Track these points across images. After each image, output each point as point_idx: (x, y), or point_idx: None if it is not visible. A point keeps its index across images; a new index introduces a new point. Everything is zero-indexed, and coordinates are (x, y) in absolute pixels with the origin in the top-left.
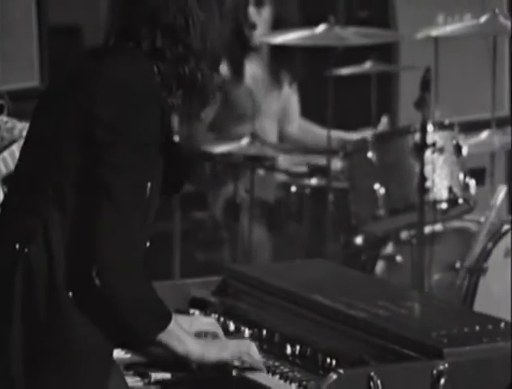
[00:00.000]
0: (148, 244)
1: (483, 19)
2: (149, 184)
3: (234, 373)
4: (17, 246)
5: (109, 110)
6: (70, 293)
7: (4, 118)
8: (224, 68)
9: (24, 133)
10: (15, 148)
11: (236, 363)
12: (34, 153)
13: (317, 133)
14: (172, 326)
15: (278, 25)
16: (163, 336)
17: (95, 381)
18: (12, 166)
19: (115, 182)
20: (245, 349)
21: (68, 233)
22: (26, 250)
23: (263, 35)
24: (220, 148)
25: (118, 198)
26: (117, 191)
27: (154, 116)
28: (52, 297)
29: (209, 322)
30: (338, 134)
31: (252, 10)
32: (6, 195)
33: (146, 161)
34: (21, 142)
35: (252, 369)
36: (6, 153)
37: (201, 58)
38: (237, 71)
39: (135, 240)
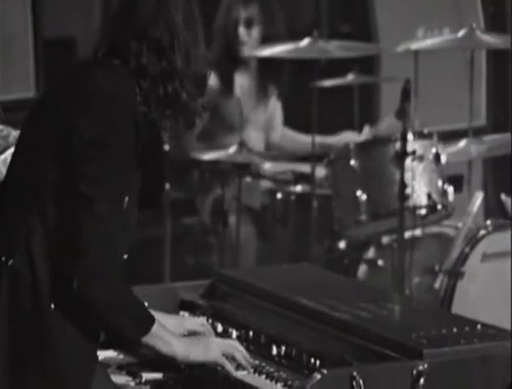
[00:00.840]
0: (126, 256)
1: (461, 33)
2: (126, 198)
3: (221, 372)
4: (2, 259)
5: (88, 125)
6: (53, 301)
7: (0, 126)
8: (214, 81)
9: None
10: (8, 155)
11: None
12: (19, 164)
13: (299, 139)
14: (155, 328)
15: (266, 42)
16: (148, 339)
17: (78, 383)
18: (5, 172)
19: (94, 194)
20: (230, 349)
21: (50, 244)
22: (10, 261)
23: (252, 49)
24: (209, 156)
25: (97, 209)
26: (96, 203)
27: (131, 132)
28: (35, 305)
29: (199, 323)
30: (320, 139)
31: (242, 29)
32: None
33: (123, 174)
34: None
35: (238, 368)
36: None
37: (185, 78)
38: (227, 84)
39: (114, 250)
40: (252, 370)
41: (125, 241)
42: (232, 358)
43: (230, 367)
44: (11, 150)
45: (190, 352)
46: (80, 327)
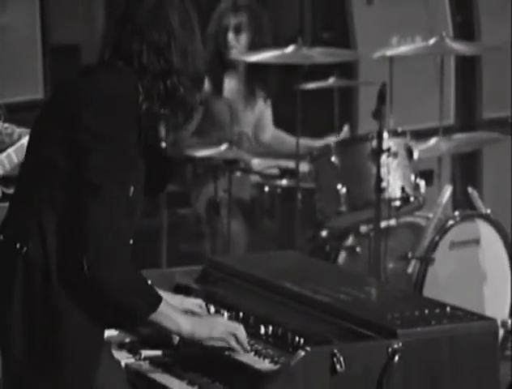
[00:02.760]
0: (132, 241)
1: (431, 41)
2: (132, 187)
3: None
4: (17, 245)
5: (93, 120)
6: (64, 286)
7: (5, 124)
8: (205, 83)
9: (22, 138)
10: (12, 151)
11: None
12: (31, 158)
13: (288, 140)
14: (162, 306)
15: (254, 48)
16: (155, 317)
17: (86, 365)
18: (8, 168)
19: (101, 183)
20: (232, 330)
21: (61, 231)
22: (24, 248)
23: (240, 55)
24: (202, 153)
25: (104, 196)
26: (102, 190)
27: (133, 126)
28: (47, 290)
29: (197, 304)
30: (306, 142)
31: (231, 36)
32: (11, 196)
33: (127, 164)
34: (17, 145)
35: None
36: (3, 156)
37: (182, 74)
38: (217, 86)
39: (121, 234)
40: (252, 353)
41: (131, 226)
42: (234, 337)
43: (234, 344)
44: (15, 146)
45: (195, 330)
46: (89, 311)
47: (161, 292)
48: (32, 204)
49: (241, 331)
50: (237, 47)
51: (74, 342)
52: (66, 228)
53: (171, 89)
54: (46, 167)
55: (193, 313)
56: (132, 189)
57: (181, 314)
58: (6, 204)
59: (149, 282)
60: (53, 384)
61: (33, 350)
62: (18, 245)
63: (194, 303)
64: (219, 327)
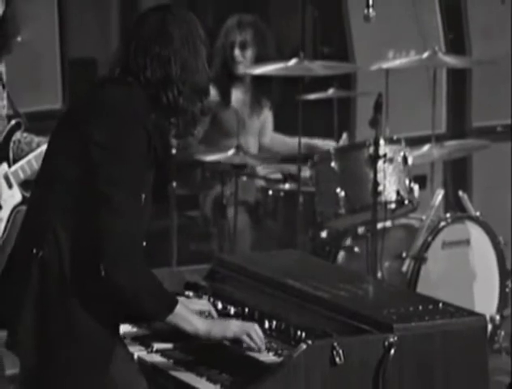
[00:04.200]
0: (144, 243)
1: (425, 54)
2: (143, 195)
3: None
4: (33, 250)
5: (103, 133)
6: (78, 289)
7: (24, 134)
8: (211, 94)
9: (40, 146)
10: (32, 157)
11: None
12: (46, 168)
13: (286, 141)
14: (178, 308)
15: (258, 61)
16: (172, 318)
17: (99, 358)
18: (29, 173)
19: (112, 193)
20: (246, 329)
21: (75, 237)
22: (40, 253)
23: (246, 68)
24: (210, 157)
25: (117, 206)
26: (115, 200)
27: (141, 138)
28: (61, 292)
29: (203, 303)
30: (304, 141)
31: (237, 51)
32: (28, 202)
33: (137, 175)
34: (36, 152)
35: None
36: (24, 162)
37: (182, 85)
38: (225, 97)
39: (135, 240)
40: (265, 351)
41: (143, 232)
42: (248, 337)
43: (249, 341)
44: (34, 154)
45: (211, 330)
46: (104, 312)
47: None
48: (46, 212)
49: (255, 330)
50: (243, 62)
51: (87, 341)
52: (79, 235)
53: (172, 99)
54: (60, 176)
55: (201, 313)
56: (143, 197)
57: (196, 315)
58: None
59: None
60: (67, 381)
61: (46, 348)
62: (34, 250)
63: (200, 303)
64: (233, 327)
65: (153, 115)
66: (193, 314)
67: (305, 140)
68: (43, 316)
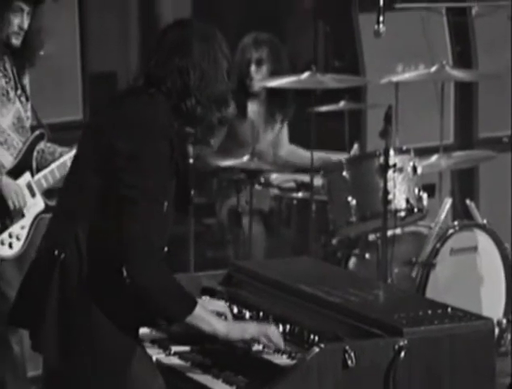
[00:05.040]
0: (166, 249)
1: (433, 68)
2: (166, 202)
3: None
4: (55, 252)
5: (127, 143)
6: (100, 290)
7: (47, 144)
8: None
9: (63, 156)
10: (54, 167)
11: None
12: (71, 176)
13: (302, 154)
14: (198, 310)
15: (273, 75)
16: (191, 319)
17: (120, 359)
18: (52, 182)
19: (136, 198)
20: (264, 330)
21: (96, 241)
22: (62, 255)
23: (261, 82)
24: (225, 163)
25: (140, 211)
26: (138, 205)
27: (164, 147)
28: (82, 294)
29: (220, 305)
30: (319, 154)
31: (253, 68)
32: (54, 207)
33: (160, 182)
34: (59, 162)
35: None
36: (47, 171)
37: (200, 96)
38: (241, 110)
39: (156, 243)
40: (282, 351)
41: (165, 238)
42: (266, 338)
43: (267, 343)
44: (56, 163)
45: (229, 331)
46: (124, 315)
47: None
48: (70, 217)
49: (272, 331)
50: (259, 78)
51: (108, 342)
52: (101, 239)
53: (190, 109)
54: (84, 183)
55: (218, 314)
56: (165, 204)
57: (215, 316)
58: (50, 215)
59: (183, 286)
60: (89, 381)
61: (69, 349)
62: (56, 253)
63: (218, 304)
64: (251, 329)
65: (175, 124)
66: (212, 315)
67: (319, 154)
68: (65, 318)
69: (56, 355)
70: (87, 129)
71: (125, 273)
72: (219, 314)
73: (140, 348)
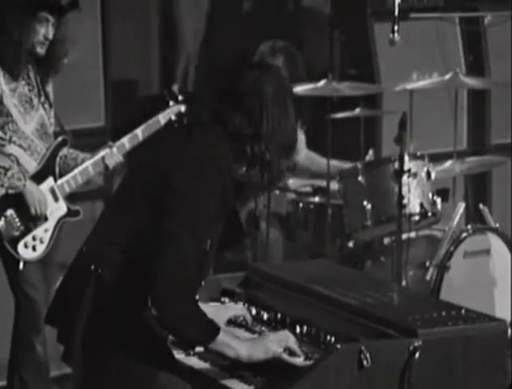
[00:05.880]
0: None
1: (447, 76)
2: (209, 241)
3: None
4: (92, 267)
5: (182, 180)
6: (131, 307)
7: (70, 150)
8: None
9: (85, 162)
10: (77, 173)
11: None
12: (121, 195)
13: (319, 161)
14: (220, 336)
15: (290, 83)
16: (214, 346)
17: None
18: (74, 187)
19: (180, 234)
20: (284, 344)
21: (132, 265)
22: (99, 270)
23: None
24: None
25: (180, 246)
26: (180, 241)
27: (219, 188)
28: (115, 308)
29: (239, 308)
30: (335, 163)
31: None
32: (97, 221)
33: (206, 222)
34: (81, 168)
35: (291, 354)
36: (69, 176)
37: (270, 141)
38: None
39: (189, 281)
40: (303, 356)
41: (205, 270)
42: (287, 349)
43: (289, 358)
44: (79, 169)
45: (253, 354)
46: (154, 329)
47: (211, 305)
48: (112, 234)
49: (291, 341)
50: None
51: (140, 354)
52: (136, 267)
53: (258, 154)
54: (132, 208)
55: (236, 323)
56: (209, 243)
57: (236, 340)
58: (72, 219)
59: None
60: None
61: (101, 362)
62: (92, 267)
63: (237, 308)
64: (272, 346)
65: (235, 166)
66: (234, 339)
67: (334, 162)
68: (97, 331)
69: (87, 369)
70: (147, 152)
71: (149, 301)
72: (238, 317)
73: (170, 357)
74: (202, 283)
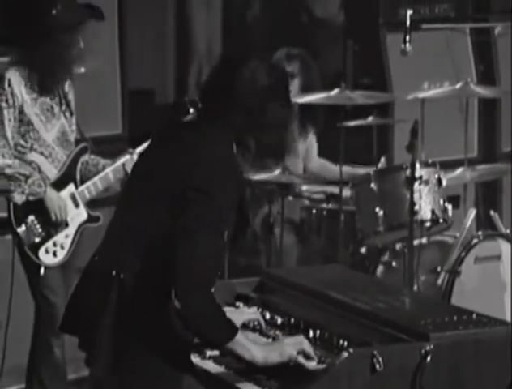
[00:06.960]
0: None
1: (458, 85)
2: (226, 232)
3: None
4: (113, 273)
5: (200, 179)
6: (153, 310)
7: (91, 156)
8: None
9: (106, 168)
10: (97, 179)
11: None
12: (137, 196)
13: (332, 168)
14: (238, 337)
15: (304, 91)
16: (231, 345)
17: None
18: (94, 193)
19: (199, 229)
20: (299, 347)
21: (153, 264)
22: (121, 275)
23: (293, 97)
24: (259, 176)
25: (200, 241)
26: (199, 236)
27: (232, 186)
28: (138, 312)
29: (252, 312)
30: (348, 169)
31: None
32: (110, 224)
33: (223, 216)
34: (102, 174)
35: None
36: (90, 183)
37: (265, 128)
38: None
39: (209, 273)
40: (317, 360)
41: (220, 266)
42: (302, 352)
43: (304, 361)
44: (99, 175)
45: (268, 357)
46: (176, 334)
47: (226, 309)
48: (131, 237)
49: (306, 344)
50: (291, 91)
51: (163, 360)
52: (158, 266)
53: (259, 141)
54: (149, 208)
55: (250, 327)
56: (226, 234)
57: (253, 343)
58: (93, 225)
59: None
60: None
61: (124, 368)
62: (113, 273)
63: (250, 312)
64: (288, 349)
65: (239, 156)
66: (251, 342)
67: (347, 168)
68: (120, 337)
69: (111, 375)
70: (159, 153)
71: (173, 295)
72: (251, 321)
73: (190, 365)
74: (219, 273)
